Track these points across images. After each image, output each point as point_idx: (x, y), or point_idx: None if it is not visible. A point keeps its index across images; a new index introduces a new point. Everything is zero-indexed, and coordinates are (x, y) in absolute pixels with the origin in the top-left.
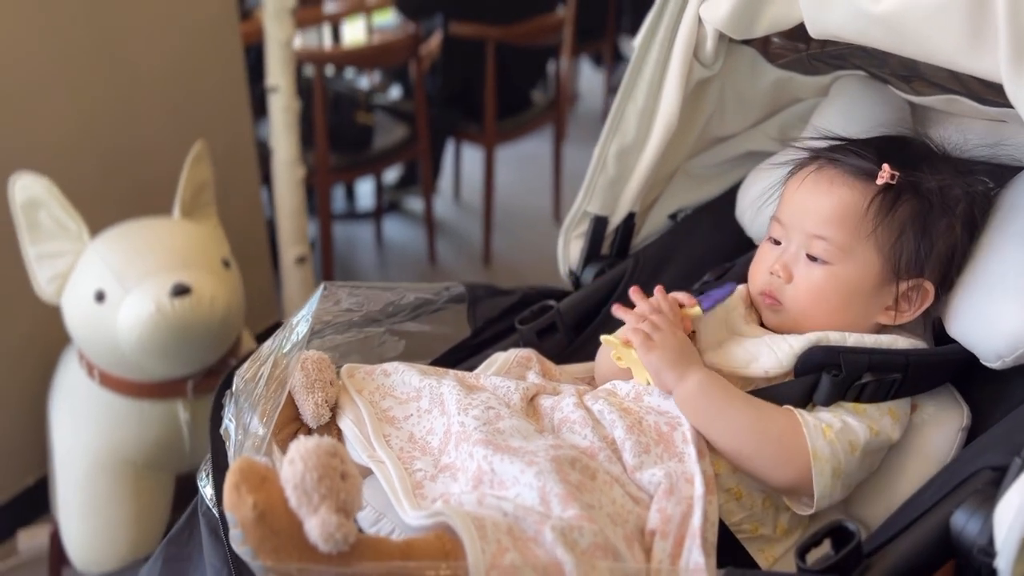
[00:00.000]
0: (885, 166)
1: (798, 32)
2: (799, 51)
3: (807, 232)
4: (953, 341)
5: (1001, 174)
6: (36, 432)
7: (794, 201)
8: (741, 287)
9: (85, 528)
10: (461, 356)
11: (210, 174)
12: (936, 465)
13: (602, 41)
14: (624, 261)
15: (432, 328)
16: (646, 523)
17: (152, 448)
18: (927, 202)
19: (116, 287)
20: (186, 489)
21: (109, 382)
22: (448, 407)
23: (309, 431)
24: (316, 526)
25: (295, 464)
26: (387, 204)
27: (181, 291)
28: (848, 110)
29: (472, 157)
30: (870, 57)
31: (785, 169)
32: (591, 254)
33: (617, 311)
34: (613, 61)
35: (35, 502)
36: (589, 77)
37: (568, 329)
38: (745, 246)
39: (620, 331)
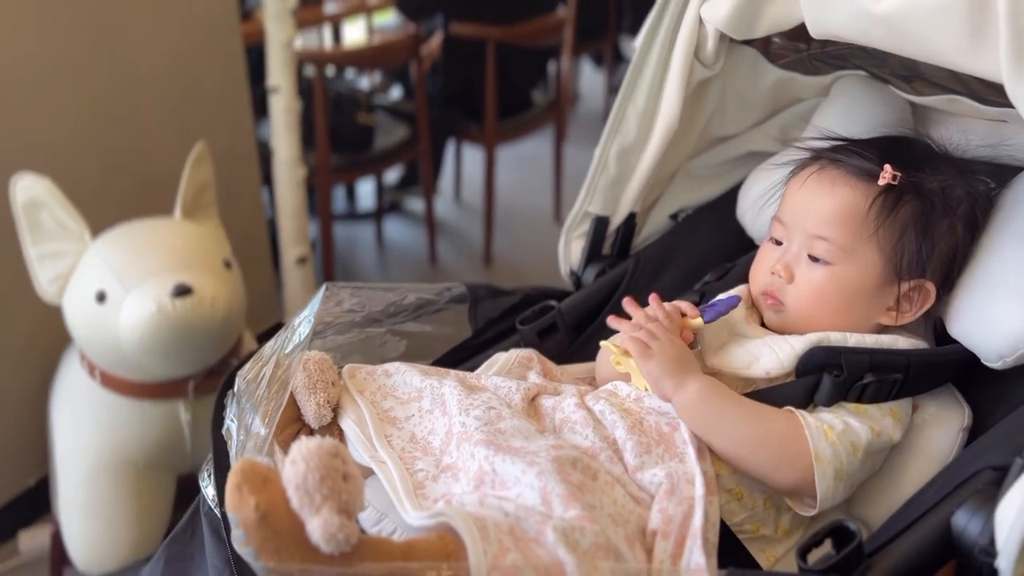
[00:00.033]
0: (887, 167)
1: (799, 32)
2: (800, 51)
3: (809, 233)
4: (954, 341)
5: (1002, 174)
6: (37, 432)
7: (796, 201)
8: (742, 287)
9: (86, 528)
10: (462, 356)
11: (211, 175)
12: (937, 465)
13: (603, 41)
14: (625, 261)
15: (433, 328)
16: (647, 523)
17: (153, 448)
18: (929, 203)
19: (117, 287)
20: (187, 489)
21: (110, 382)
22: (449, 407)
23: (311, 432)
24: (318, 527)
25: (297, 465)
26: (388, 204)
27: (182, 291)
28: (849, 110)
29: (473, 157)
30: (871, 57)
31: (786, 169)
32: (592, 254)
33: (612, 322)
34: (614, 61)
35: (36, 502)
36: (590, 77)
37: (569, 329)
38: (746, 246)
39: (616, 337)
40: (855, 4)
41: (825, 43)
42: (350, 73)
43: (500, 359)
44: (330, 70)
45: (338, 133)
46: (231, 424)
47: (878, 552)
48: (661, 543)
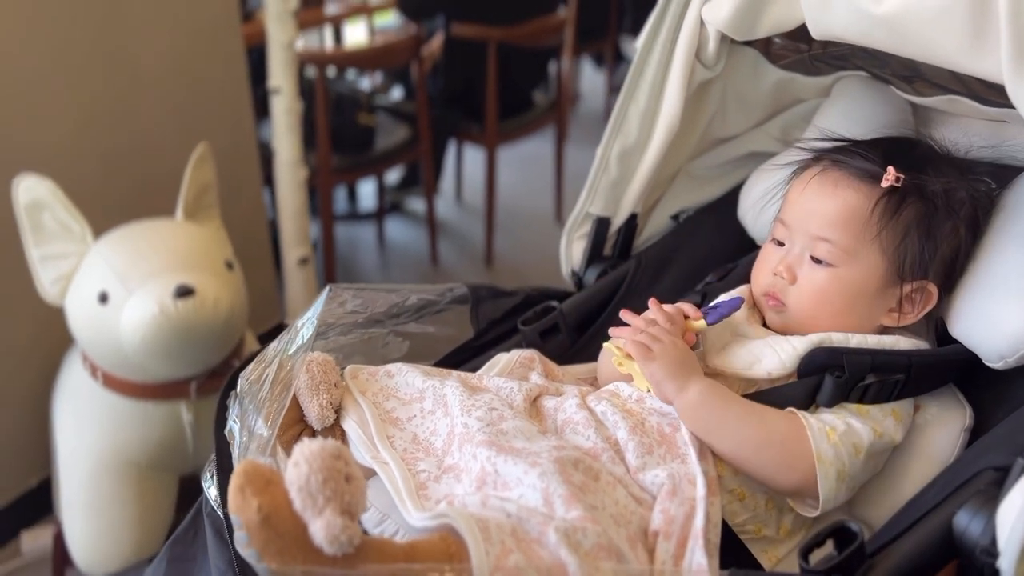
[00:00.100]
0: (890, 169)
1: (800, 33)
2: (801, 52)
3: (811, 234)
4: (956, 342)
5: (1003, 175)
6: (39, 433)
7: (798, 203)
8: (744, 288)
9: (89, 529)
10: (464, 357)
11: (213, 176)
12: (939, 465)
13: (603, 41)
14: (627, 262)
15: (435, 329)
16: (649, 524)
17: (155, 449)
18: (932, 205)
19: (119, 288)
20: (190, 490)
21: (112, 383)
22: (451, 408)
23: (313, 433)
24: (321, 528)
25: (300, 466)
26: (389, 205)
27: (184, 292)
28: (850, 111)
29: (474, 158)
30: (872, 58)
31: (788, 170)
32: (594, 255)
33: (613, 332)
34: (614, 61)
35: (39, 503)
36: (590, 77)
37: (571, 330)
38: (747, 247)
39: (618, 340)
40: (856, 5)
41: (826, 44)
42: (351, 74)
43: (502, 360)
44: (331, 71)
45: (339, 134)
46: (234, 425)
47: (880, 552)
48: (663, 544)
